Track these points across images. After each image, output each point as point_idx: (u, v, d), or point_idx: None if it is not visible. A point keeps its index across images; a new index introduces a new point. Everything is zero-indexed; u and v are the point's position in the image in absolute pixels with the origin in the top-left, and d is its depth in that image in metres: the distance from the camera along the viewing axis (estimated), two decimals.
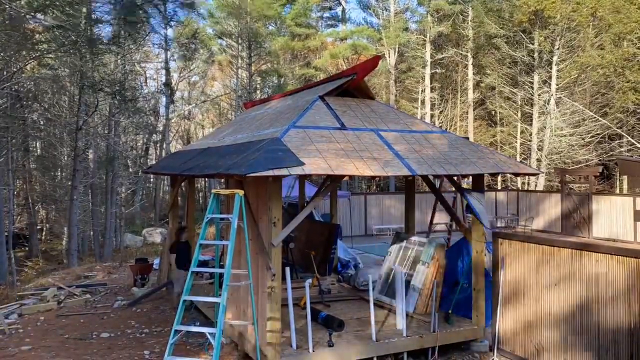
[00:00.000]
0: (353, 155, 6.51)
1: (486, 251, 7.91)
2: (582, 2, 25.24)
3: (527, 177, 27.00)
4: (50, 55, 16.50)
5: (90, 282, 12.90)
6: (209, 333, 5.60)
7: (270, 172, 5.71)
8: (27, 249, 26.05)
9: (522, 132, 31.88)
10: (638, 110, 27.23)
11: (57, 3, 14.89)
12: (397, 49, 32.12)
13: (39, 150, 28.93)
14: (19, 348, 7.94)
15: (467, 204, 7.76)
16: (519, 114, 31.26)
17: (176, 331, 5.67)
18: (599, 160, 28.53)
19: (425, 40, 32.53)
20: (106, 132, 24.84)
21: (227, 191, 6.48)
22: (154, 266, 12.97)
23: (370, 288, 7.26)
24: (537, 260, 6.86)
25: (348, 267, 11.68)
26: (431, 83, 33.51)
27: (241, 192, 6.10)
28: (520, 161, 25.17)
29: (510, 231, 19.61)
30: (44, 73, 16.64)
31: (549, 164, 27.48)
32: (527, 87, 29.61)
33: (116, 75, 21.87)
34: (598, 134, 27.91)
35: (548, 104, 28.06)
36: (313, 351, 6.53)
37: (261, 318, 6.72)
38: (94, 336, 8.50)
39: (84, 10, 18.47)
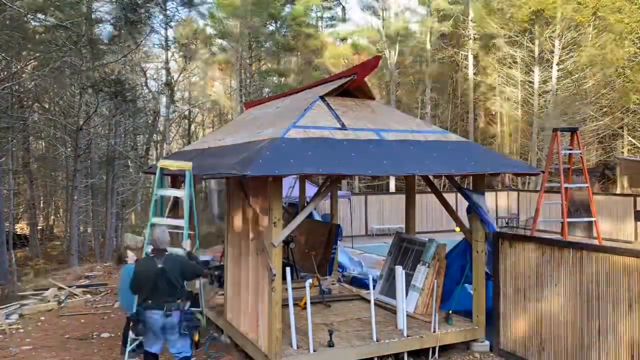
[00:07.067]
0: (353, 155, 6.52)
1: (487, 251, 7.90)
2: (583, 2, 25.23)
3: (527, 177, 26.97)
4: (50, 56, 16.50)
5: (91, 282, 12.90)
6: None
7: (270, 172, 5.71)
8: (27, 249, 26.05)
9: (522, 131, 31.88)
10: (638, 110, 27.21)
11: (58, 3, 14.90)
12: (397, 49, 32.10)
13: (40, 150, 28.93)
14: (20, 348, 7.95)
15: (468, 205, 7.76)
16: (519, 114, 31.25)
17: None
18: (599, 160, 28.50)
19: (425, 40, 32.51)
20: (106, 132, 24.83)
21: (175, 165, 6.66)
22: None
23: (371, 288, 7.26)
24: (537, 260, 6.86)
25: (347, 269, 11.70)
26: (431, 83, 33.49)
27: (188, 167, 6.43)
28: (520, 161, 25.16)
29: (511, 231, 19.63)
30: (45, 72, 16.63)
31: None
32: (527, 87, 29.59)
33: (116, 76, 21.85)
34: (598, 134, 27.90)
35: (548, 103, 28.04)
36: (314, 351, 6.53)
37: (261, 318, 6.73)
38: (94, 336, 8.51)
39: (84, 9, 18.47)
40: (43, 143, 28.62)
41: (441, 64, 34.32)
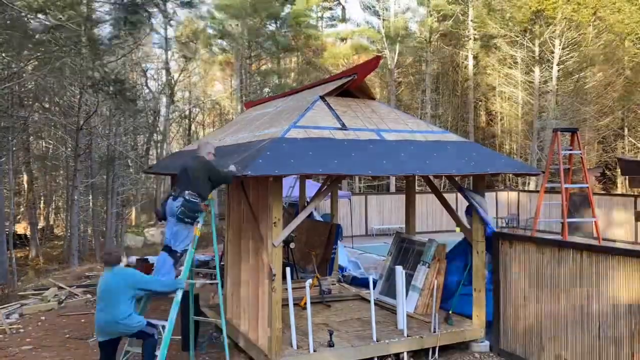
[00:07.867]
0: (354, 155, 6.52)
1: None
2: (583, 2, 25.25)
3: (527, 177, 26.98)
4: (50, 56, 16.50)
5: (91, 282, 12.90)
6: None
7: (270, 172, 5.71)
8: (27, 248, 26.06)
9: (522, 131, 31.90)
10: (638, 110, 27.23)
11: (58, 3, 14.90)
12: (397, 49, 32.12)
13: (40, 150, 28.95)
14: (20, 348, 7.95)
15: (468, 205, 7.76)
16: (520, 113, 31.26)
17: None
18: (600, 160, 28.51)
19: (425, 40, 32.54)
20: (107, 132, 24.85)
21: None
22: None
23: (371, 288, 7.26)
24: (537, 261, 6.86)
25: (347, 269, 11.70)
26: (431, 83, 33.51)
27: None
28: (521, 161, 25.17)
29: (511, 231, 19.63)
30: (45, 71, 16.64)
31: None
32: (527, 86, 29.61)
33: (116, 75, 21.85)
34: (599, 134, 27.91)
35: (549, 103, 28.05)
36: (314, 351, 6.53)
37: (261, 318, 6.73)
38: (94, 336, 8.50)
39: (84, 10, 18.45)
40: (43, 143, 28.65)
41: (441, 64, 34.32)
